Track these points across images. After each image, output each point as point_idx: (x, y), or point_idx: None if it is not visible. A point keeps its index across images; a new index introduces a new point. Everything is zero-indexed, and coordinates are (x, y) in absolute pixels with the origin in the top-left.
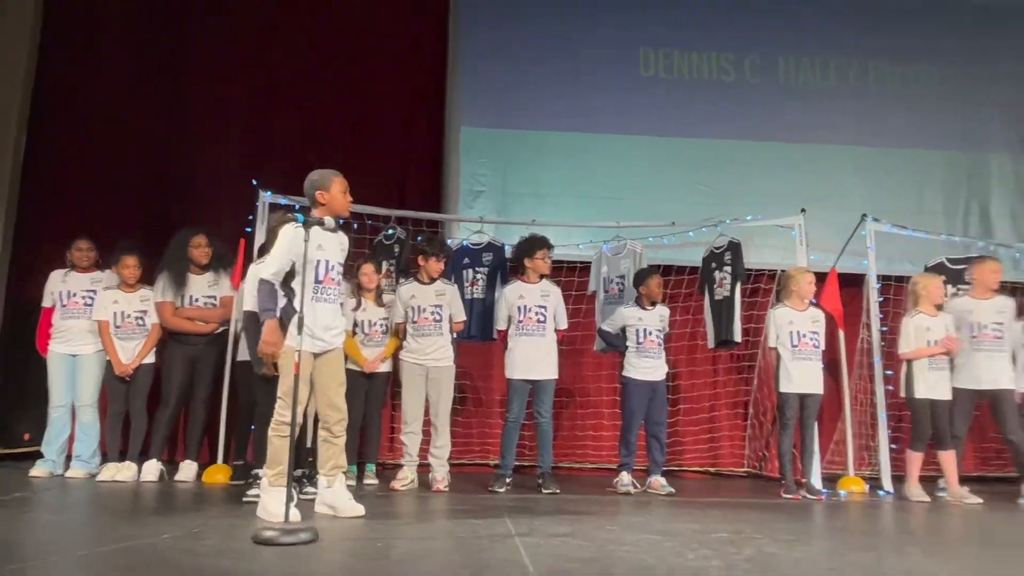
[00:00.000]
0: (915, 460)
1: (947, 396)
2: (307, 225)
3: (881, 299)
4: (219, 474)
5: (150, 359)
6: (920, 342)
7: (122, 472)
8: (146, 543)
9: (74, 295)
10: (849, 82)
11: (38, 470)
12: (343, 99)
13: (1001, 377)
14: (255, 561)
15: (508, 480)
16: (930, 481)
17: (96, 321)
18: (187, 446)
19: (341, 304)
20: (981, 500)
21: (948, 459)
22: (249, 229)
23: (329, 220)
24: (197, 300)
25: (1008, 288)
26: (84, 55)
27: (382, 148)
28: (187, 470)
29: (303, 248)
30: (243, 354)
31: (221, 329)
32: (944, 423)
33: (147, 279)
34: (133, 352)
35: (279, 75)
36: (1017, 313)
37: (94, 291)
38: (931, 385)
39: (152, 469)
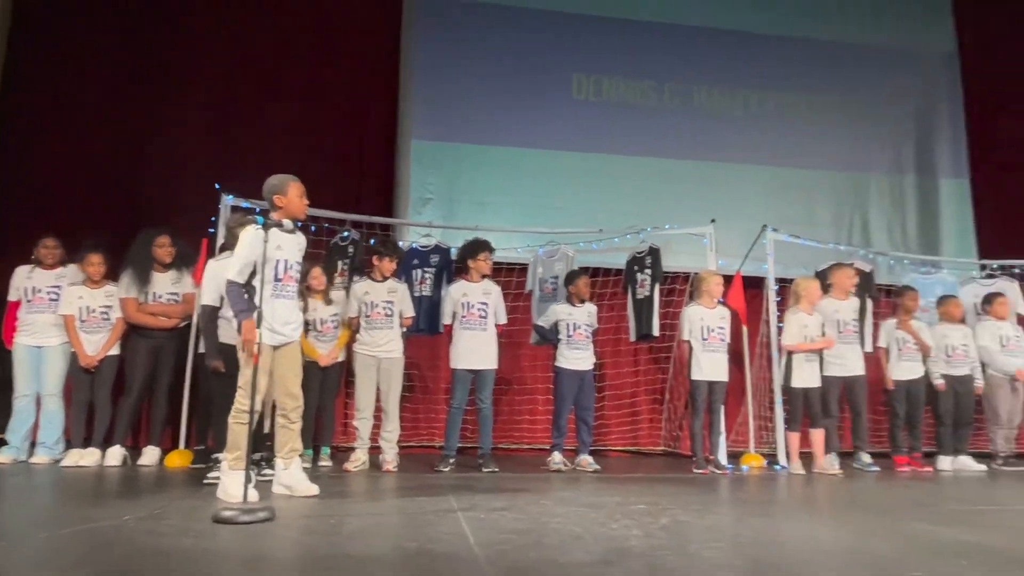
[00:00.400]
0: (793, 439)
1: (817, 384)
2: (266, 227)
3: (778, 299)
4: (180, 459)
5: (114, 351)
6: (799, 337)
7: (86, 458)
8: (108, 525)
9: (39, 291)
10: (752, 109)
11: (2, 457)
12: (303, 109)
13: (858, 365)
14: (215, 539)
15: (452, 461)
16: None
17: (62, 316)
18: (150, 432)
19: None
20: (840, 471)
21: (818, 436)
22: (212, 230)
23: (287, 222)
24: (161, 296)
25: (883, 290)
26: (53, 54)
27: (339, 157)
28: (150, 455)
29: (263, 248)
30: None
31: (184, 323)
32: (816, 406)
33: (112, 276)
34: (98, 345)
35: (242, 85)
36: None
37: (59, 287)
38: (805, 376)
39: (115, 454)
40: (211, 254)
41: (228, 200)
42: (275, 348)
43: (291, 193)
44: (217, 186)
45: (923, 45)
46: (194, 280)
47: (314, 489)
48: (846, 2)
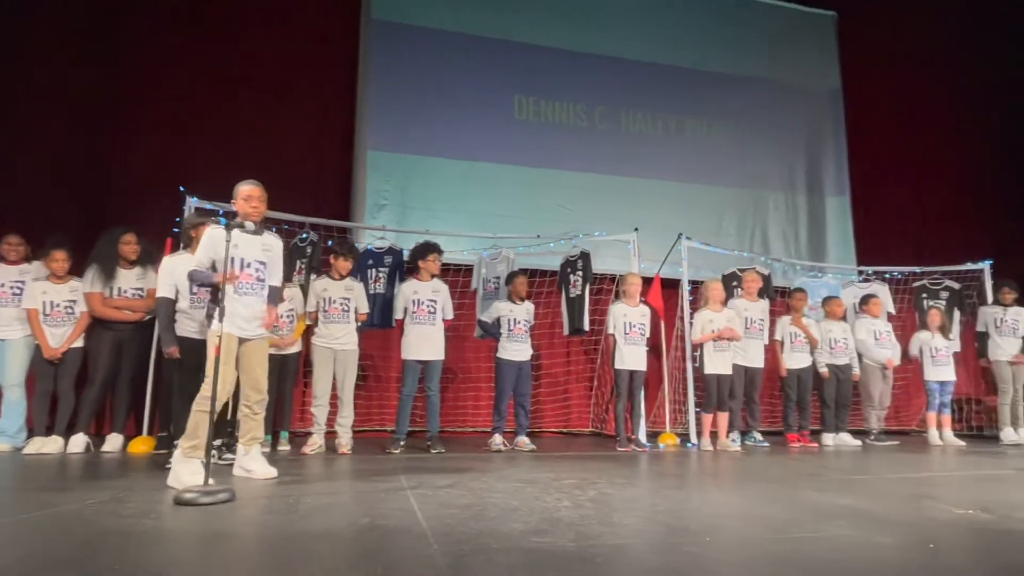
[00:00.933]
0: (706, 420)
1: (728, 371)
2: (228, 228)
3: (691, 298)
4: (143, 445)
5: (78, 343)
6: (706, 332)
7: (48, 445)
8: (70, 508)
9: (2, 285)
10: (671, 133)
11: None
12: (268, 119)
13: (759, 358)
14: (177, 520)
15: (402, 443)
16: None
17: (25, 309)
18: (113, 420)
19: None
20: (741, 447)
21: (723, 419)
22: (176, 230)
23: (249, 224)
24: (125, 291)
25: (779, 291)
26: (18, 56)
27: (301, 164)
28: (113, 442)
29: (218, 247)
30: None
31: (147, 317)
32: (724, 392)
33: (76, 272)
34: (62, 338)
35: (209, 96)
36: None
37: (22, 282)
38: (716, 364)
39: (79, 441)
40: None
41: (192, 202)
42: (242, 341)
43: (238, 198)
44: (182, 189)
45: (814, 83)
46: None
47: (272, 472)
48: (752, 43)
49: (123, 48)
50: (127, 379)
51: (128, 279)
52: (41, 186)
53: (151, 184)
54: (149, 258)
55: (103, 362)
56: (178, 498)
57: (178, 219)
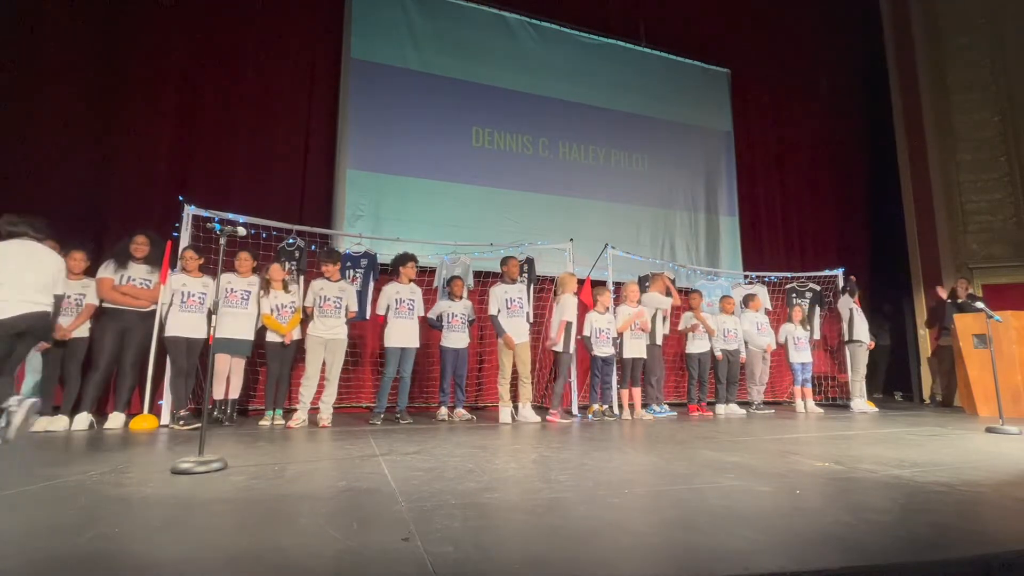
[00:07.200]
0: (623, 395)
1: (643, 355)
2: (221, 233)
3: (615, 296)
4: (144, 422)
5: (84, 333)
6: (627, 323)
7: (54, 424)
8: (73, 480)
9: None
10: (600, 162)
11: None
12: (261, 141)
13: (659, 342)
14: (173, 487)
15: (382, 415)
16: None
17: None
18: (116, 400)
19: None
20: (652, 416)
21: (636, 393)
22: (176, 234)
23: (241, 230)
24: (134, 280)
25: (683, 291)
26: (27, 73)
27: (290, 179)
28: (115, 420)
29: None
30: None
31: (151, 308)
32: (637, 372)
33: (90, 274)
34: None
35: (208, 119)
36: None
37: None
38: (632, 348)
39: (83, 419)
40: (175, 255)
41: (190, 210)
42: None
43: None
44: (181, 199)
45: (711, 124)
46: (160, 279)
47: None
48: (665, 91)
49: (126, 68)
50: (130, 363)
51: (139, 271)
52: (50, 193)
53: (154, 194)
54: (159, 260)
55: (107, 348)
56: (174, 468)
57: (176, 224)
